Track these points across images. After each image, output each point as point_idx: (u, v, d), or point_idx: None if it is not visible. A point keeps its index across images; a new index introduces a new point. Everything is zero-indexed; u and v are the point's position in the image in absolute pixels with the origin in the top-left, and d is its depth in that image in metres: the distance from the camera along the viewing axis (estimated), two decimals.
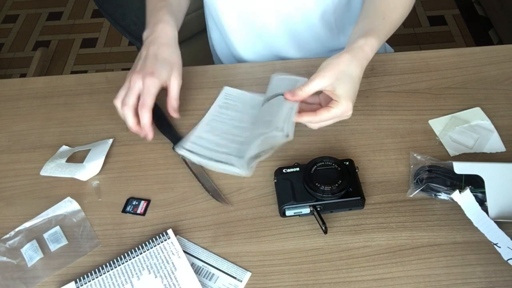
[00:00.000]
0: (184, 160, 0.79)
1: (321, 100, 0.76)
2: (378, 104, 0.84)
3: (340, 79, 0.70)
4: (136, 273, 0.67)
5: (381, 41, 0.76)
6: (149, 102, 0.74)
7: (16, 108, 0.91)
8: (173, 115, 0.79)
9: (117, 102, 0.76)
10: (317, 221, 0.69)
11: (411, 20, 2.28)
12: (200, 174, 0.77)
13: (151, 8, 0.84)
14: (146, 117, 0.74)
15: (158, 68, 0.75)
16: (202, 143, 0.79)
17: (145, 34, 0.81)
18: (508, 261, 0.64)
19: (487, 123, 0.80)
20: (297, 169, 0.73)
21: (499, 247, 0.64)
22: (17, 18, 2.56)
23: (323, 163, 0.72)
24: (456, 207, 0.68)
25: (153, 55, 0.77)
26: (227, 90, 0.89)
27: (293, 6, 0.92)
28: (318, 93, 0.73)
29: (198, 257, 0.69)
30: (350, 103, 0.71)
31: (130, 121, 0.75)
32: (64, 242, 0.72)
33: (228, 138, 0.80)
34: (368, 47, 0.73)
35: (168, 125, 0.84)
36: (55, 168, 0.80)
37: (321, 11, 0.93)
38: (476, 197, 0.66)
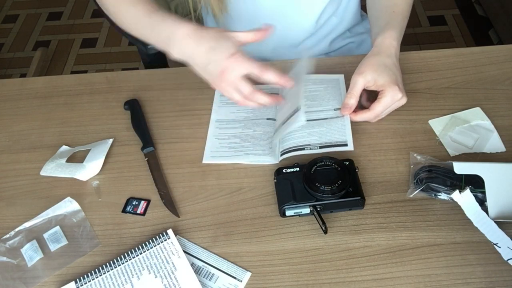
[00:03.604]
0: (148, 161, 0.79)
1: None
2: None
3: (377, 70, 0.76)
4: (136, 273, 0.67)
5: (399, 29, 0.81)
6: (249, 87, 0.72)
7: (16, 108, 0.91)
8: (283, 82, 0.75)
9: (240, 101, 0.75)
10: (317, 221, 0.69)
11: (411, 20, 2.28)
12: (159, 180, 0.77)
13: (151, 22, 0.78)
14: (261, 98, 0.73)
15: (231, 51, 0.72)
16: (219, 152, 0.80)
17: (178, 46, 0.74)
18: (508, 261, 0.64)
19: (487, 123, 0.80)
20: (297, 169, 0.73)
21: (499, 247, 0.64)
22: (17, 18, 2.56)
23: (323, 163, 0.72)
24: (456, 207, 0.68)
25: (213, 49, 0.72)
26: (216, 97, 0.89)
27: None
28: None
29: (198, 257, 0.69)
30: (395, 86, 0.75)
31: (266, 100, 0.74)
32: (64, 242, 0.72)
33: (241, 139, 0.81)
34: (387, 39, 0.79)
35: (143, 126, 0.84)
36: (55, 168, 0.80)
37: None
38: (476, 197, 0.66)
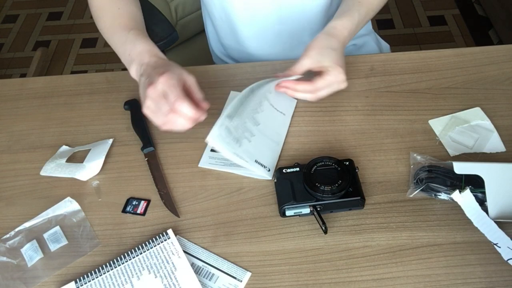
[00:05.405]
0: (148, 161, 0.79)
1: None
2: (378, 104, 0.84)
3: (323, 54, 0.78)
4: (136, 273, 0.67)
5: (355, 22, 0.83)
6: (177, 92, 0.69)
7: (16, 108, 0.91)
8: (203, 106, 0.73)
9: (157, 120, 0.72)
10: (317, 221, 0.69)
11: (411, 20, 2.28)
12: (159, 180, 0.77)
13: (123, 40, 0.81)
14: (185, 107, 0.69)
15: (165, 68, 0.72)
16: (215, 159, 0.79)
17: (134, 70, 0.77)
18: (508, 261, 0.64)
19: (487, 123, 0.80)
20: (297, 169, 0.73)
21: (499, 247, 0.64)
22: (17, 18, 2.56)
23: (323, 163, 0.72)
24: (456, 207, 0.68)
25: (154, 69, 0.73)
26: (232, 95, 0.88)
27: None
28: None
29: (198, 257, 0.69)
30: (340, 67, 0.78)
31: (185, 123, 0.71)
32: (64, 242, 0.72)
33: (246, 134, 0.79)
34: (341, 26, 0.81)
35: (143, 126, 0.84)
36: (55, 168, 0.80)
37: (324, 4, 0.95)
38: (476, 197, 0.66)
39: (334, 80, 0.78)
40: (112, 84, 0.93)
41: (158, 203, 0.75)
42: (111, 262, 0.68)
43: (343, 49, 0.81)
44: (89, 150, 0.82)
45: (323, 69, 0.78)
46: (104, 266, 0.68)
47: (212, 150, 0.80)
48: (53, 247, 0.71)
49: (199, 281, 0.65)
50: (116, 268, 0.68)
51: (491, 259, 0.65)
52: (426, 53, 0.93)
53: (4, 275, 0.69)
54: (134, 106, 0.87)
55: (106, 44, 2.36)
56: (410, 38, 2.20)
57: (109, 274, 0.67)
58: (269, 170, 0.76)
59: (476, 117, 0.81)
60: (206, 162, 0.79)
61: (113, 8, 0.86)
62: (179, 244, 0.69)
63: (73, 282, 0.67)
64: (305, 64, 0.78)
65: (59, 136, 0.86)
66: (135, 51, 0.78)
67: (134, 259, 0.68)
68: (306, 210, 0.70)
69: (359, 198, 0.69)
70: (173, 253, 0.68)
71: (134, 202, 0.75)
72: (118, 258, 0.69)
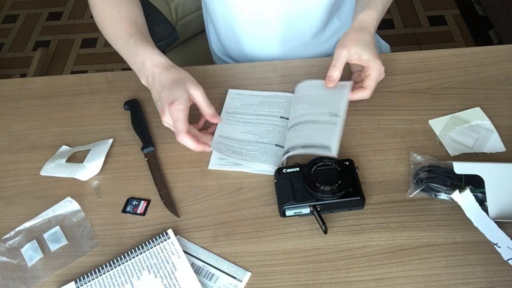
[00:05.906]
0: (148, 161, 0.79)
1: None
2: (378, 104, 0.84)
3: (361, 45, 0.77)
4: (136, 273, 0.67)
5: (380, 11, 0.83)
6: (180, 127, 0.73)
7: (16, 108, 0.91)
8: (214, 121, 0.79)
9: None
10: (317, 221, 0.69)
11: (411, 20, 2.28)
12: (159, 180, 0.77)
13: (126, 48, 0.82)
14: (186, 141, 0.74)
15: (173, 93, 0.74)
16: (224, 159, 0.79)
17: (144, 80, 0.80)
18: (508, 261, 0.64)
19: (487, 123, 0.80)
20: (297, 169, 0.73)
21: (499, 247, 0.64)
22: (17, 18, 2.56)
23: (323, 163, 0.72)
24: (456, 207, 0.68)
25: (162, 89, 0.75)
26: (231, 93, 0.88)
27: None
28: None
29: (198, 257, 0.69)
30: (379, 60, 0.78)
31: (193, 147, 0.75)
32: (64, 242, 0.72)
33: (245, 143, 0.80)
34: (369, 18, 0.81)
35: (143, 126, 0.84)
36: (55, 168, 0.80)
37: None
38: (476, 197, 0.66)
39: (378, 74, 0.78)
40: (112, 84, 0.93)
41: (158, 203, 0.75)
42: (111, 262, 0.68)
43: (373, 41, 0.80)
44: (89, 150, 0.82)
45: (363, 63, 0.78)
46: (104, 266, 0.68)
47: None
48: (53, 247, 0.71)
49: (199, 281, 0.65)
50: (116, 268, 0.68)
51: (491, 259, 0.65)
52: (426, 53, 0.93)
53: (4, 275, 0.69)
54: (134, 106, 0.87)
55: (106, 44, 2.37)
56: (410, 38, 2.20)
57: (109, 274, 0.67)
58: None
59: (476, 117, 0.81)
60: (215, 163, 0.79)
61: (113, 12, 0.85)
62: (179, 244, 0.69)
63: (73, 282, 0.67)
64: (343, 54, 0.77)
65: (59, 136, 0.86)
66: (138, 60, 0.79)
67: (134, 259, 0.68)
68: (306, 210, 0.70)
69: (359, 198, 0.69)
70: (173, 253, 0.68)
71: (134, 202, 0.75)
72: (118, 258, 0.69)
